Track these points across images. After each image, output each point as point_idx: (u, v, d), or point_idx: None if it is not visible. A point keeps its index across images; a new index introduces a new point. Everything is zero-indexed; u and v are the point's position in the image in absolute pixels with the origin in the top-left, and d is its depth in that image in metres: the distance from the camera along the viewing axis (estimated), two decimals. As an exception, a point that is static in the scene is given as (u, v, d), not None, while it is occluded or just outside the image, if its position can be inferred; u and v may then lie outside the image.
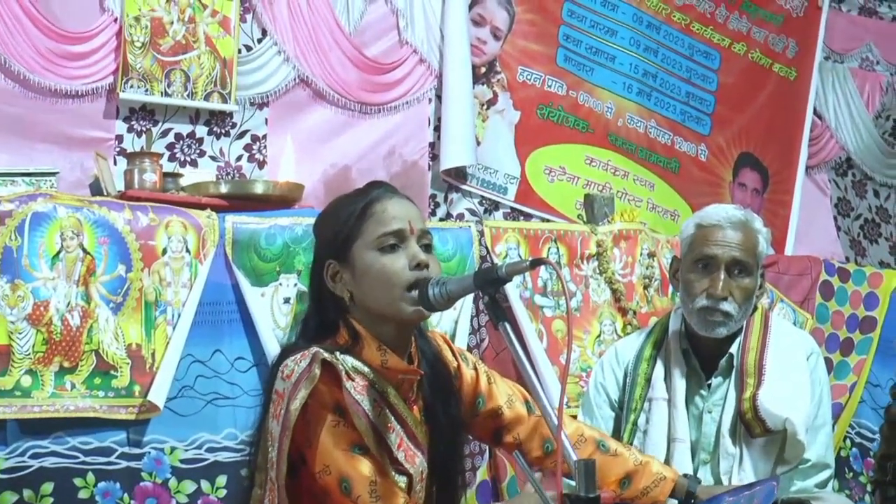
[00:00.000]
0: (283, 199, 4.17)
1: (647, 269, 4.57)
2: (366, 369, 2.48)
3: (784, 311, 4.77)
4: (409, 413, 2.54)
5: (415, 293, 2.44)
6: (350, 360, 2.47)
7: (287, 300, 3.92)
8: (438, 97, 5.17)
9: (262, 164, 4.79)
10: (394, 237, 2.50)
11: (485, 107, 5.39)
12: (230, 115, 4.76)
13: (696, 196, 5.92)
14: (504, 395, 2.80)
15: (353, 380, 2.43)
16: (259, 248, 3.92)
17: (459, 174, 5.21)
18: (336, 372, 2.41)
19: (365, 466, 2.40)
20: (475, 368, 2.80)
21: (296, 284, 3.94)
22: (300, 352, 2.46)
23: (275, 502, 2.43)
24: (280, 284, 3.93)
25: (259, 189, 4.17)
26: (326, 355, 2.41)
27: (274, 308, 3.91)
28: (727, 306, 3.28)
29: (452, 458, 2.67)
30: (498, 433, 2.82)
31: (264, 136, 4.83)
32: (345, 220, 2.53)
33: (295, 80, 4.88)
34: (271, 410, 2.46)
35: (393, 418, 2.50)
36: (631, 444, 3.31)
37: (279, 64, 4.95)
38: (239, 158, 4.78)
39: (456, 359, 2.77)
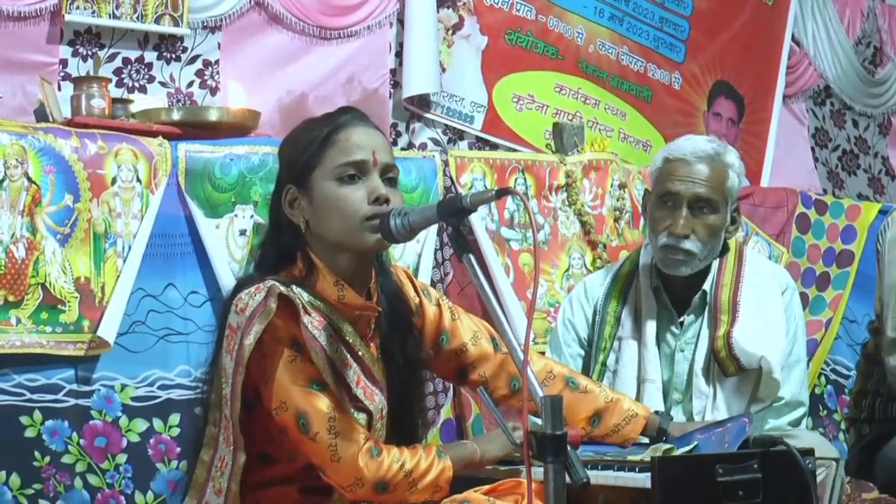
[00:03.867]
0: (237, 127, 4.10)
1: (617, 200, 4.56)
2: (321, 304, 2.45)
3: (759, 245, 4.77)
4: (365, 350, 2.52)
5: (375, 222, 2.41)
6: (306, 295, 2.44)
7: (243, 232, 3.90)
8: (401, 22, 5.06)
9: (214, 91, 4.68)
10: (354, 168, 2.47)
11: (450, 32, 5.27)
12: (181, 39, 4.65)
13: (669, 126, 5.85)
14: (469, 331, 2.78)
15: (309, 314, 2.40)
16: (213, 178, 3.87)
17: (423, 102, 5.12)
18: (293, 306, 2.39)
19: (323, 402, 2.39)
20: (438, 304, 2.78)
21: (252, 216, 3.91)
22: (254, 284, 2.43)
23: (230, 440, 2.41)
24: (236, 216, 3.90)
25: (213, 116, 4.09)
26: (283, 289, 2.39)
27: (229, 240, 3.88)
28: (689, 244, 3.23)
29: (410, 396, 2.66)
30: (463, 371, 2.80)
31: (217, 62, 4.71)
32: (306, 146, 2.51)
33: (250, 2, 4.76)
34: (225, 345, 2.45)
35: (349, 355, 2.47)
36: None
37: (233, -15, 4.84)
38: (190, 85, 4.67)
39: (418, 294, 2.74)
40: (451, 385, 4.07)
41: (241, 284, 2.50)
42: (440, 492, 2.46)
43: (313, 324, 2.40)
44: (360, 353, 2.50)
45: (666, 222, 3.25)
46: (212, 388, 2.53)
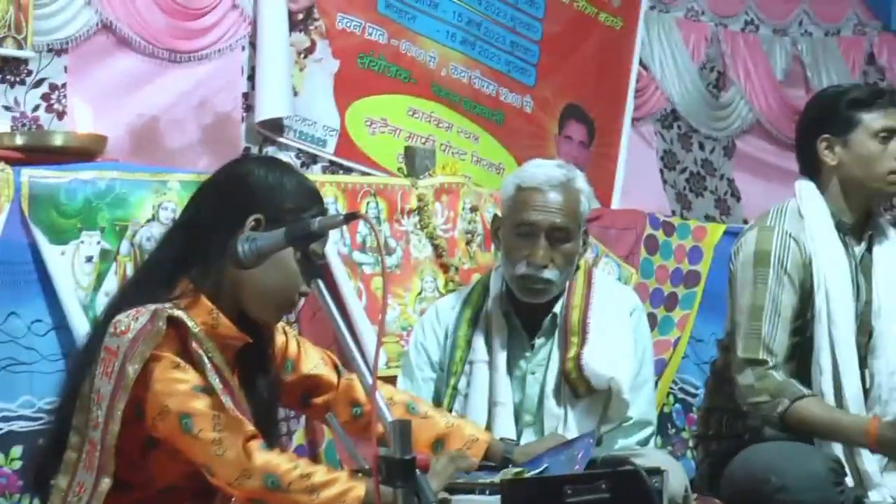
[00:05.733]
0: (84, 152, 4.01)
1: (469, 223, 4.57)
2: (196, 329, 2.45)
3: (609, 267, 4.80)
4: (231, 377, 2.52)
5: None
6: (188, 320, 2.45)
7: (90, 259, 3.79)
8: (253, 45, 5.05)
9: (61, 115, 4.62)
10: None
11: (302, 55, 5.27)
12: (26, 62, 4.59)
13: (521, 149, 5.90)
14: (313, 359, 2.81)
15: (194, 337, 2.43)
16: (59, 204, 3.77)
17: (275, 126, 5.11)
18: (183, 327, 2.42)
19: (206, 402, 2.39)
20: (284, 333, 2.79)
21: (99, 242, 3.81)
22: (132, 308, 2.44)
23: (92, 465, 2.38)
24: (82, 242, 3.79)
25: (58, 141, 4.02)
26: (175, 312, 2.42)
27: (75, 267, 3.77)
28: (548, 273, 3.24)
29: (269, 423, 2.66)
30: (306, 397, 2.83)
31: (63, 85, 4.66)
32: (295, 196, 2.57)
33: (97, 25, 4.71)
34: (100, 369, 2.41)
35: (221, 382, 2.46)
36: (452, 407, 3.28)
37: (80, 7, 4.75)
38: (36, 108, 4.62)
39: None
40: (303, 411, 4.05)
41: (115, 308, 2.49)
42: None
43: (195, 345, 2.42)
44: (229, 380, 2.49)
45: (524, 252, 3.24)
46: (68, 414, 2.48)
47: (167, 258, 2.56)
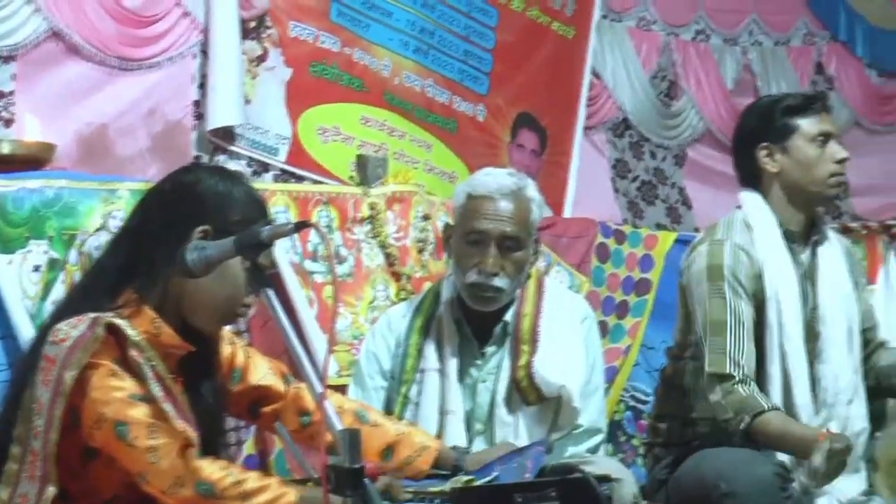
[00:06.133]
0: (32, 160, 4.03)
1: (421, 232, 4.55)
2: (137, 337, 2.43)
3: (560, 275, 4.81)
4: (174, 386, 2.51)
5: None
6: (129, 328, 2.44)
7: (37, 268, 3.73)
8: (204, 53, 5.02)
9: (9, 123, 4.59)
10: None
11: (254, 63, 5.26)
12: None
13: (474, 157, 5.91)
14: (261, 370, 2.81)
15: (134, 345, 2.41)
16: (6, 213, 3.71)
17: (227, 134, 5.09)
18: (121, 335, 2.41)
19: (142, 411, 2.38)
20: (232, 343, 2.79)
21: (46, 251, 3.75)
22: (74, 317, 2.43)
23: (35, 475, 2.37)
24: (29, 251, 3.74)
25: (5, 149, 4.04)
26: (115, 320, 2.41)
27: (22, 277, 3.71)
28: (498, 281, 3.26)
29: (216, 432, 2.65)
30: (255, 407, 2.82)
31: (11, 93, 4.62)
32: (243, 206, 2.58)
33: (47, 32, 4.67)
34: (40, 377, 2.39)
35: (162, 391, 2.45)
36: (402, 416, 3.28)
37: (29, 14, 4.74)
38: None
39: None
40: (253, 420, 4.04)
41: (59, 316, 2.48)
42: None
43: (135, 354, 2.41)
44: (171, 389, 2.48)
45: (474, 260, 3.26)
46: (10, 425, 2.46)
47: (112, 266, 2.55)
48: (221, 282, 2.47)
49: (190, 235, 2.46)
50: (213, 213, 2.50)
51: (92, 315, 2.41)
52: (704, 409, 3.32)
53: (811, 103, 3.47)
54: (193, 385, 2.58)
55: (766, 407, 3.21)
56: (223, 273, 2.44)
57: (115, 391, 2.38)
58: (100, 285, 2.54)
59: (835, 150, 3.42)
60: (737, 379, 3.25)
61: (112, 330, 2.40)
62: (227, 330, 2.81)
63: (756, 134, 3.47)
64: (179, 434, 2.39)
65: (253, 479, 2.41)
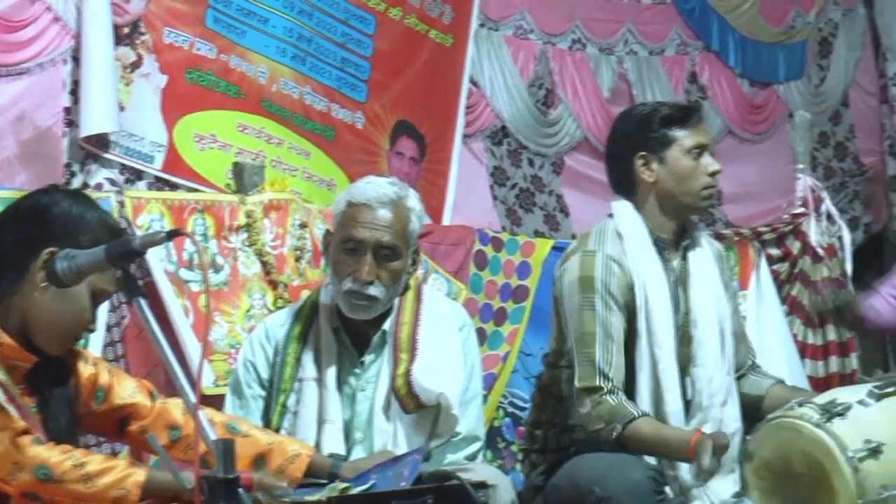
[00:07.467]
0: None
1: (298, 240, 4.57)
2: None
3: (438, 283, 4.84)
4: (22, 400, 2.52)
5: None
6: None
7: None
8: (76, 59, 4.91)
9: None
10: None
11: (128, 70, 5.15)
12: None
13: (353, 165, 5.87)
14: (127, 388, 2.84)
15: None
16: None
17: (101, 142, 4.97)
18: None
19: None
20: (95, 364, 2.82)
21: None
22: None
23: None
24: None
25: None
26: None
27: None
28: (373, 290, 3.27)
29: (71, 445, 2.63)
30: (121, 424, 2.85)
31: None
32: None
33: None
34: None
35: (7, 401, 2.47)
36: (280, 425, 3.28)
37: None
38: None
39: (73, 354, 2.76)
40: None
41: None
42: (128, 496, 2.44)
43: None
44: (19, 402, 2.49)
45: (350, 268, 3.26)
46: None
47: None
48: (63, 304, 2.51)
49: (39, 255, 2.51)
50: (62, 236, 2.53)
51: None
52: (580, 416, 3.35)
53: (688, 115, 3.53)
54: (47, 403, 2.60)
55: (636, 414, 3.25)
56: (64, 295, 2.47)
57: None
58: None
59: (708, 162, 3.48)
60: (605, 390, 3.29)
61: None
62: (90, 351, 2.89)
63: (633, 142, 3.52)
64: (14, 422, 2.40)
65: (97, 461, 2.44)
